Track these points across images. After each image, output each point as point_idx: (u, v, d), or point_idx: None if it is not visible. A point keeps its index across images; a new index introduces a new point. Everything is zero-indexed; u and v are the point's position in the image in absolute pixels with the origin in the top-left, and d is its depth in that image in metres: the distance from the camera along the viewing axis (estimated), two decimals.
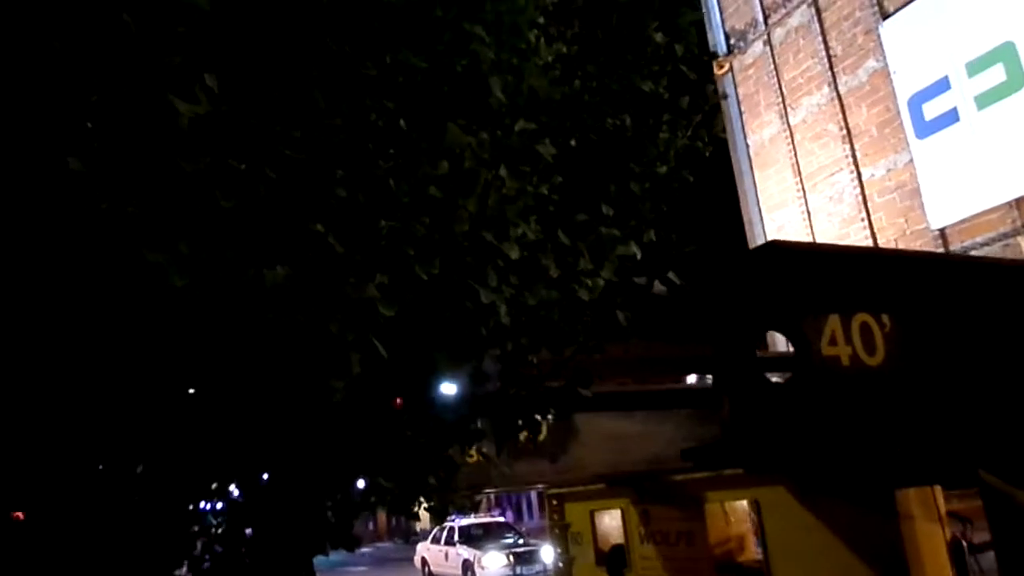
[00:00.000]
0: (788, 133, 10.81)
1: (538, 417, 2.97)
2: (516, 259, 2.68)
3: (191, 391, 2.51)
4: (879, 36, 8.88)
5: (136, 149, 1.76)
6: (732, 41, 11.94)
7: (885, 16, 9.08)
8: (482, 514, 28.74)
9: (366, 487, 3.25)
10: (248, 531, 3.24)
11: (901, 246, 9.42)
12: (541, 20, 3.14)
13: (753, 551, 6.62)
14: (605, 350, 3.14)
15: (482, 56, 2.83)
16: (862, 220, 9.60)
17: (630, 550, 7.26)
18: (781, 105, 11.03)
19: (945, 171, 8.93)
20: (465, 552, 20.88)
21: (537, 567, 19.82)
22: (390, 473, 2.91)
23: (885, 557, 4.70)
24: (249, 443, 2.93)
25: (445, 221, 2.29)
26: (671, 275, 3.04)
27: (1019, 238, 8.03)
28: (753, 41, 11.36)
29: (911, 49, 9.06)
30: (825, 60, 10.27)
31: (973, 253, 8.43)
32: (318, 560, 3.45)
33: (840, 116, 10.05)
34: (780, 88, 11.16)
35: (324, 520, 3.18)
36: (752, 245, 11.58)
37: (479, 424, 3.10)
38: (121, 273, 1.94)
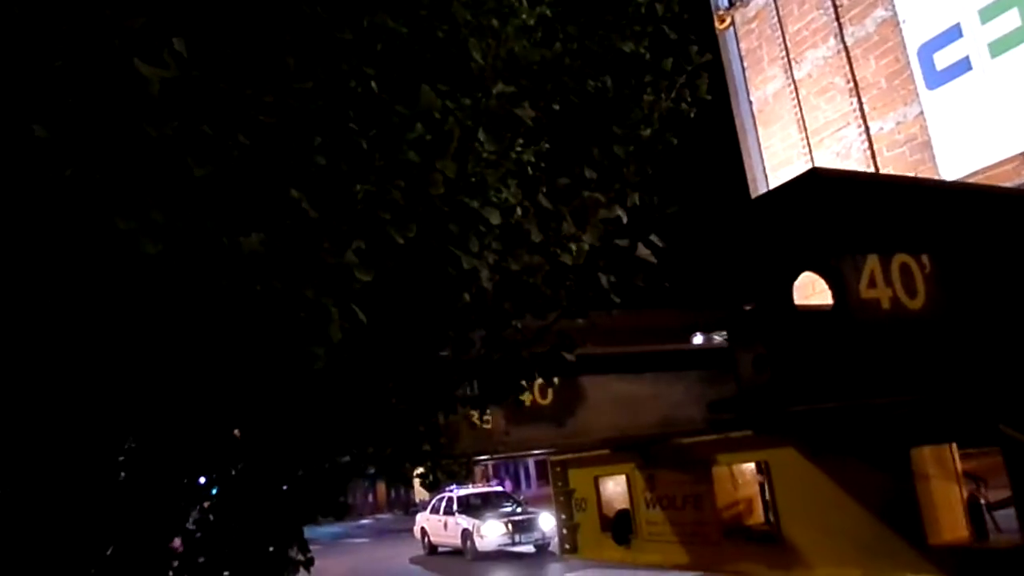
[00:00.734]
0: (793, 88, 10.47)
1: (523, 383, 2.98)
2: (497, 224, 2.66)
3: (172, 364, 2.50)
4: None
5: (102, 115, 1.73)
6: None
7: None
8: (480, 484, 29.07)
9: (354, 456, 3.27)
10: (239, 503, 3.25)
11: None
12: None
13: (761, 514, 6.61)
14: (589, 315, 3.14)
15: (459, 18, 2.79)
16: None
17: (636, 515, 7.22)
18: (785, 59, 10.64)
19: (957, 122, 8.55)
20: (464, 521, 21.19)
21: (535, 535, 20.17)
22: (376, 441, 2.92)
23: (901, 517, 4.66)
24: (234, 414, 2.93)
25: (421, 185, 2.27)
26: (653, 238, 3.03)
27: None
28: None
29: None
30: (831, 10, 9.78)
31: None
32: (320, 532, 3.48)
33: (847, 69, 9.69)
34: (784, 41, 10.67)
35: (312, 489, 3.20)
36: None
37: (467, 391, 3.11)
38: (92, 244, 1.92)
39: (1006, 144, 8.06)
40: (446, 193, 2.45)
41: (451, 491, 24.31)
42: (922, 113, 8.82)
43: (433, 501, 24.39)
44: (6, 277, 2.07)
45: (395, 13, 2.78)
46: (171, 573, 3.02)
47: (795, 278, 4.12)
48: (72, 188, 1.75)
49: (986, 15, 8.35)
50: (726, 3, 11.43)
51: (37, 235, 1.97)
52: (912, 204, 3.79)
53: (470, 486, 26.55)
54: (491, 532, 20.00)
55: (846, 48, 9.79)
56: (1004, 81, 8.12)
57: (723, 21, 11.63)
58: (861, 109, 9.69)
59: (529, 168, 2.97)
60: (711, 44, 12.17)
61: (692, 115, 3.45)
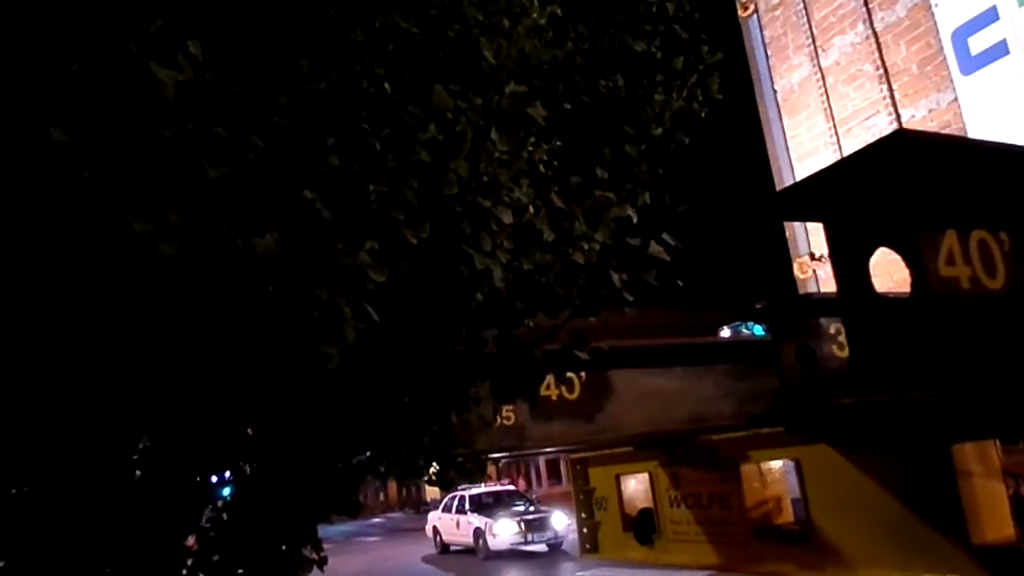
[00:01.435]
0: (819, 76, 10.23)
1: (535, 380, 2.98)
2: (510, 223, 2.67)
3: (187, 364, 2.52)
4: None
5: (119, 118, 1.74)
6: None
7: None
8: (491, 483, 29.05)
9: (368, 454, 3.28)
10: (253, 502, 3.27)
11: None
12: None
13: (791, 513, 6.47)
14: (601, 313, 3.14)
15: (470, 18, 2.80)
16: None
17: (659, 514, 7.05)
18: (811, 47, 10.39)
19: (993, 108, 8.22)
20: (476, 520, 21.10)
21: (548, 534, 20.06)
22: (389, 439, 2.93)
23: (943, 515, 4.53)
24: (248, 413, 2.95)
25: (434, 185, 2.27)
26: (666, 236, 3.02)
27: None
28: None
29: None
30: None
31: None
32: (332, 530, 3.49)
33: (876, 55, 9.43)
34: (810, 28, 10.41)
35: (326, 488, 3.21)
36: None
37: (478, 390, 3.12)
38: (109, 245, 1.94)
39: None
40: (459, 193, 2.45)
41: (463, 490, 24.32)
42: (956, 100, 8.50)
43: (445, 500, 24.40)
44: (24, 278, 2.09)
45: (406, 13, 2.78)
46: (185, 571, 3.04)
47: (870, 255, 3.95)
48: (89, 190, 1.76)
49: None
50: None
51: (56, 237, 1.99)
52: (1000, 174, 3.55)
53: (482, 485, 26.57)
54: (503, 531, 19.95)
55: (875, 34, 9.48)
56: None
57: (746, 8, 11.36)
58: (892, 96, 9.39)
59: (541, 167, 2.97)
60: (733, 33, 11.83)
61: (703, 114, 3.43)
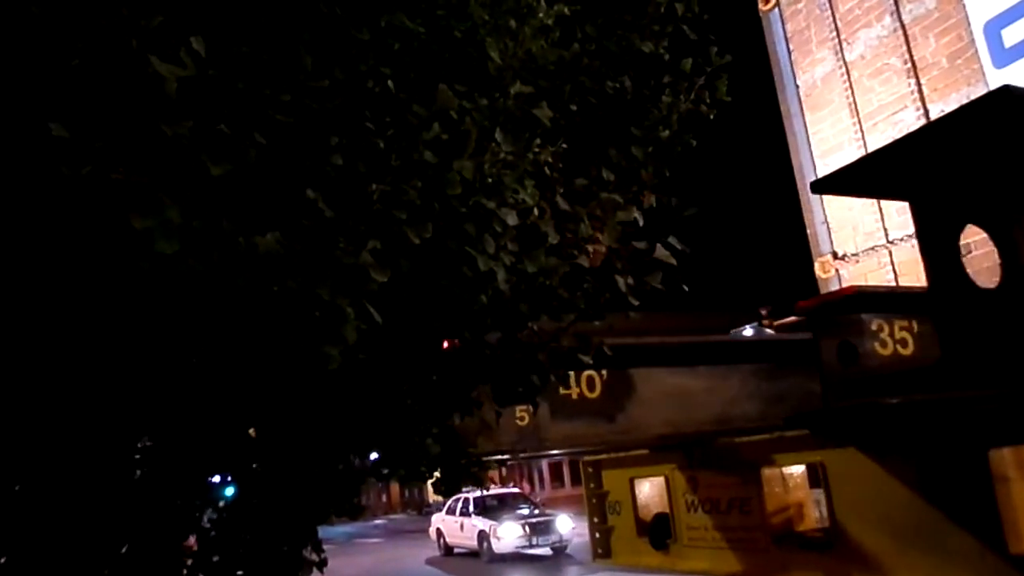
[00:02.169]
0: (844, 70, 10.06)
1: (538, 383, 2.95)
2: (514, 225, 2.64)
3: (188, 363, 2.51)
4: None
5: (120, 114, 1.73)
6: None
7: None
8: (496, 486, 28.96)
9: (369, 457, 3.26)
10: (254, 502, 3.25)
11: None
12: None
13: (814, 519, 6.25)
14: (605, 317, 3.11)
15: (477, 18, 2.78)
16: None
17: (675, 519, 6.78)
18: (836, 40, 10.22)
19: None
20: (480, 523, 21.02)
21: (553, 537, 19.97)
22: (391, 442, 2.91)
23: (979, 523, 4.32)
24: (249, 414, 2.93)
25: (438, 185, 2.25)
26: (672, 239, 2.99)
27: None
28: None
29: None
30: None
31: None
32: (333, 532, 3.46)
33: (904, 48, 9.25)
34: (834, 21, 10.23)
35: (327, 489, 3.19)
36: (803, 193, 11.02)
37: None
38: (110, 243, 1.92)
39: None
40: (463, 193, 2.43)
41: (467, 492, 24.25)
42: None
43: (449, 502, 24.36)
44: (25, 276, 2.08)
45: (412, 13, 2.77)
46: (185, 571, 3.02)
47: (958, 233, 3.75)
48: (89, 187, 1.75)
49: None
50: None
51: (56, 233, 1.98)
52: None
53: (489, 488, 26.47)
54: (508, 534, 19.86)
55: (903, 26, 9.24)
56: None
57: (767, 2, 11.17)
58: (920, 91, 9.17)
59: (546, 169, 2.94)
60: (754, 27, 11.63)
61: (712, 116, 3.40)
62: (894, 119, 9.53)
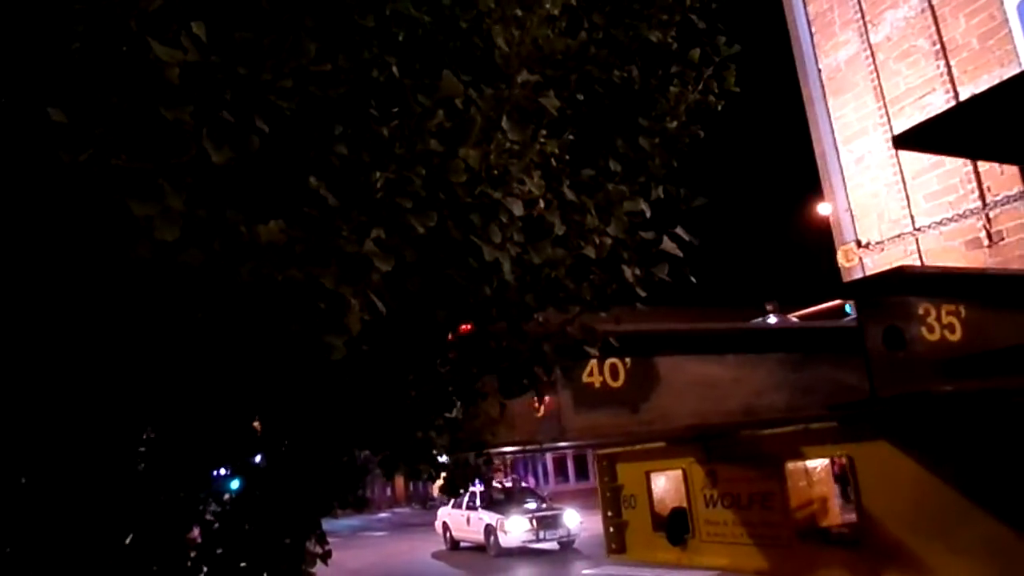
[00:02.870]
0: (869, 53, 9.90)
1: (543, 375, 2.93)
2: (520, 216, 2.62)
3: (190, 354, 2.49)
4: None
5: (119, 98, 1.70)
6: None
7: None
8: (502, 479, 28.96)
9: (371, 451, 3.24)
10: (257, 494, 3.24)
11: (1009, 172, 8.72)
12: None
13: (838, 515, 6.09)
14: (612, 309, 3.08)
15: (483, 6, 2.75)
16: None
17: (693, 514, 6.61)
18: (860, 22, 10.05)
19: None
20: (487, 517, 20.98)
21: (560, 531, 19.94)
22: (395, 433, 2.89)
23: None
24: (253, 406, 2.91)
25: (442, 173, 2.23)
26: (679, 231, 2.96)
27: None
28: None
29: None
30: None
31: None
32: (337, 524, 3.45)
33: (933, 29, 9.10)
34: (859, 2, 10.05)
35: (331, 481, 3.18)
36: (826, 180, 10.86)
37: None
38: (110, 231, 1.90)
39: None
40: (468, 183, 2.41)
41: (474, 486, 24.22)
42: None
43: None
44: (24, 265, 2.06)
45: (418, 1, 2.74)
46: (189, 563, 3.02)
47: None
48: (89, 173, 1.73)
49: None
50: None
51: (55, 222, 1.96)
52: None
53: (498, 479, 26.45)
54: (515, 528, 19.83)
55: (932, 7, 9.06)
56: None
57: None
58: (949, 73, 9.00)
59: (553, 159, 2.91)
60: (775, 10, 11.39)
61: (720, 107, 3.37)
62: (922, 103, 9.35)
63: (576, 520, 20.38)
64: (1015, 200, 8.31)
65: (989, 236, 8.64)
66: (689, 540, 6.62)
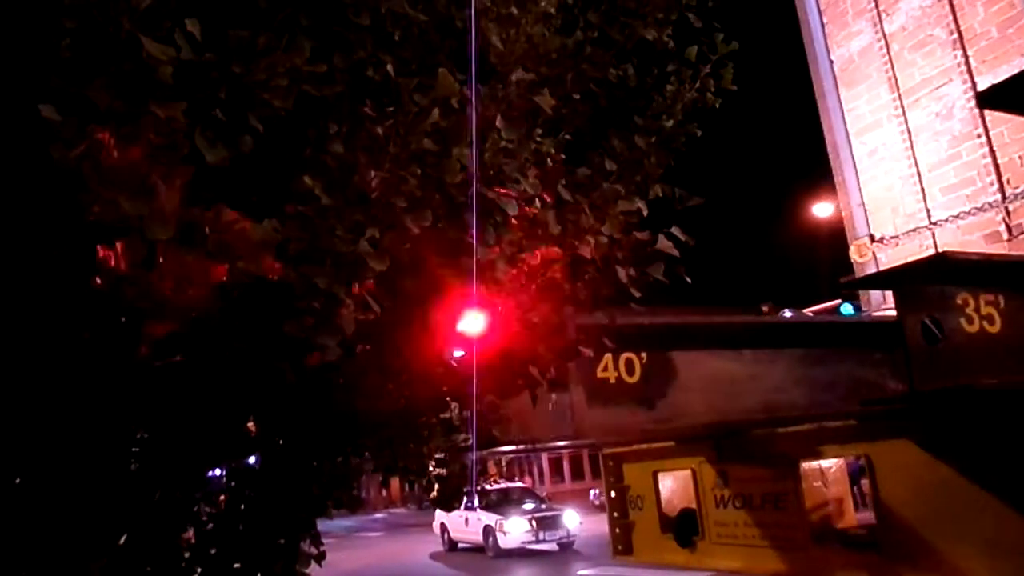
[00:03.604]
0: (883, 43, 9.77)
1: (538, 375, 2.92)
2: (515, 215, 2.61)
3: (183, 353, 2.47)
4: None
5: (111, 95, 1.69)
6: None
7: None
8: (494, 480, 28.94)
9: (367, 451, 3.23)
10: (251, 495, 3.23)
11: None
12: None
13: (854, 517, 6.00)
14: (607, 309, 3.07)
15: (478, 3, 2.74)
16: (978, 136, 8.66)
17: (703, 515, 6.41)
18: (874, 11, 9.92)
19: None
20: (486, 518, 20.83)
21: (560, 532, 19.82)
22: (388, 434, 2.88)
23: None
24: (247, 406, 2.90)
25: (437, 172, 2.22)
26: (676, 230, 2.95)
27: None
28: None
29: None
30: None
31: None
32: (332, 525, 3.43)
33: (950, 18, 8.98)
34: None
35: (325, 482, 3.17)
36: (838, 174, 10.68)
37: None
38: (100, 230, 1.89)
39: None
40: (462, 182, 2.40)
41: (471, 487, 24.09)
42: None
43: None
44: (16, 264, 2.05)
45: (413, 0, 2.73)
46: (183, 564, 3.00)
47: None
48: (80, 171, 1.71)
49: None
50: None
51: (45, 220, 1.95)
52: None
53: (491, 482, 26.39)
54: (514, 529, 19.69)
55: None
56: None
57: None
58: (967, 63, 8.85)
59: (548, 158, 2.91)
60: (785, 1, 11.18)
61: (717, 105, 3.36)
62: (938, 93, 9.19)
63: (576, 521, 20.31)
64: None
65: (1009, 230, 8.49)
66: (698, 542, 6.45)
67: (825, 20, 10.36)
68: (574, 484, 42.05)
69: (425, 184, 2.27)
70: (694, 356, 4.61)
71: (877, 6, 9.65)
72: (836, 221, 18.78)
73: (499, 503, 21.79)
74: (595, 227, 2.88)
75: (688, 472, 6.57)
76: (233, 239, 2.02)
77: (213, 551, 3.06)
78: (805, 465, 5.66)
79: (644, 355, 4.36)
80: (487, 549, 20.48)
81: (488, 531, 20.41)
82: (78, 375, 2.49)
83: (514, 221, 2.63)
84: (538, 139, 2.87)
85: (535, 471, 44.99)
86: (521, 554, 19.64)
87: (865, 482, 5.57)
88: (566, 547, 19.88)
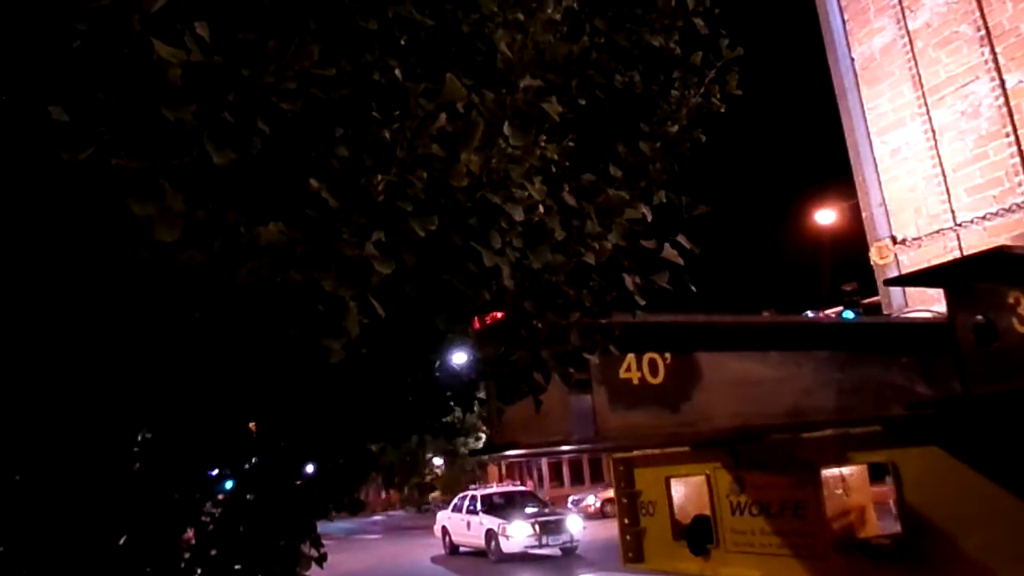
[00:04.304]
0: (907, 40, 9.63)
1: (541, 381, 2.92)
2: (520, 221, 2.61)
3: (188, 355, 2.48)
4: None
5: (121, 97, 1.70)
6: None
7: None
8: (493, 484, 28.90)
9: (371, 453, 3.23)
10: (252, 497, 3.23)
11: None
12: None
13: (876, 526, 5.75)
14: (611, 315, 3.07)
15: (485, 10, 2.75)
16: (1006, 135, 8.46)
17: (718, 522, 6.23)
18: (897, 8, 9.77)
19: None
20: (488, 521, 20.80)
21: (563, 537, 19.77)
22: (391, 439, 2.88)
23: None
24: (250, 407, 2.90)
25: (443, 177, 2.22)
26: (681, 239, 2.95)
27: None
28: None
29: None
30: None
31: None
32: (332, 527, 3.43)
33: (977, 15, 8.86)
34: None
35: (327, 485, 3.17)
36: (858, 174, 10.52)
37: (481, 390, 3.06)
38: (109, 231, 1.90)
39: None
40: (468, 188, 2.40)
41: (474, 490, 24.11)
42: None
43: (455, 500, 24.23)
44: (22, 265, 2.05)
45: (420, 4, 2.74)
46: (183, 565, 3.00)
47: None
48: (89, 172, 1.72)
49: None
50: None
51: (53, 221, 1.95)
52: None
53: (492, 485, 26.31)
54: (517, 533, 19.61)
55: None
56: None
57: None
58: (995, 60, 8.71)
59: (553, 165, 2.91)
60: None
61: (722, 111, 3.36)
62: (964, 91, 9.03)
63: (579, 525, 20.26)
64: None
65: None
66: (713, 550, 6.28)
67: (846, 17, 10.21)
68: (573, 488, 41.95)
69: (431, 188, 2.27)
70: (719, 357, 4.49)
71: (901, 3, 9.48)
72: (838, 227, 18.78)
73: (501, 507, 21.73)
74: (600, 233, 2.88)
75: (702, 478, 6.39)
76: (239, 241, 2.02)
77: (213, 552, 3.06)
78: (826, 471, 5.49)
79: (668, 356, 4.25)
80: (489, 553, 20.44)
81: (490, 535, 20.36)
82: (83, 373, 2.49)
83: (519, 227, 2.63)
84: (543, 145, 2.87)
85: (535, 475, 44.91)
86: (524, 559, 19.58)
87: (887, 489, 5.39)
88: (569, 552, 19.84)
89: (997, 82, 8.52)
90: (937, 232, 9.38)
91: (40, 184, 1.88)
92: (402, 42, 2.77)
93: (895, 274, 9.53)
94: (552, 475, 44.77)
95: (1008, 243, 8.34)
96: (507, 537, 19.74)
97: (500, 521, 20.26)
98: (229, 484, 3.31)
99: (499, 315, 2.70)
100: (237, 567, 3.02)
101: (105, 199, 1.78)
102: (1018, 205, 8.47)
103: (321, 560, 3.22)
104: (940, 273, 4.94)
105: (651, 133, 3.19)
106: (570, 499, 32.88)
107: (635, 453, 7.08)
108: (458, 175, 2.22)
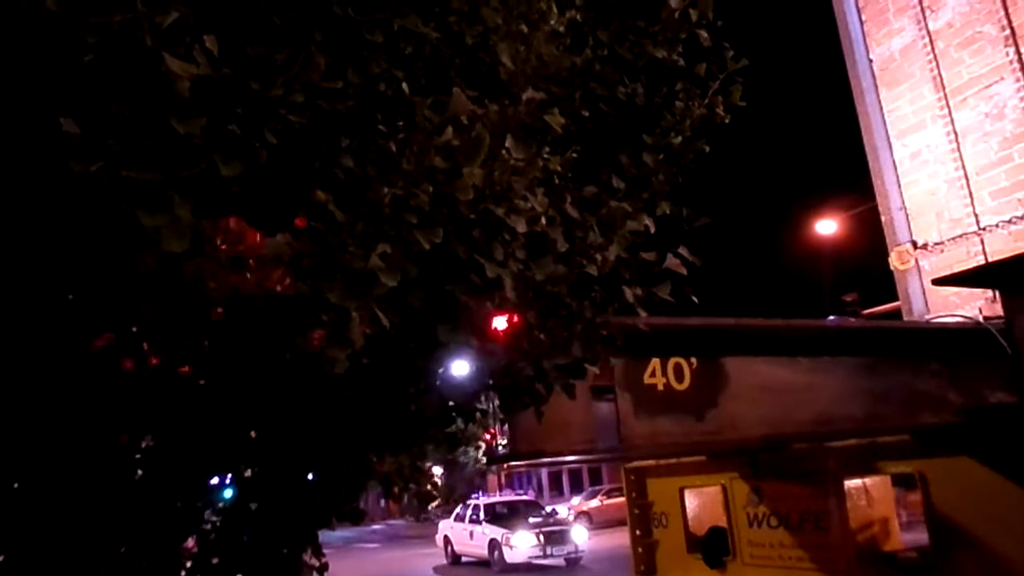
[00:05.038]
0: (927, 41, 9.43)
1: (543, 392, 2.93)
2: (523, 232, 2.63)
3: (191, 362, 2.49)
4: None
5: (132, 110, 1.72)
6: None
7: None
8: (494, 493, 28.75)
9: (371, 462, 3.24)
10: (254, 505, 3.23)
11: None
12: None
13: (900, 538, 5.63)
14: (613, 326, 3.09)
15: (489, 23, 2.77)
16: None
17: (735, 534, 6.07)
18: (918, 8, 9.59)
19: None
20: (491, 531, 20.52)
21: (568, 548, 19.52)
22: (393, 448, 2.89)
23: None
24: (252, 416, 2.91)
25: (449, 189, 2.24)
26: (683, 251, 2.97)
27: None
28: None
29: None
30: None
31: None
32: (331, 536, 3.43)
33: (1001, 14, 8.68)
34: None
35: (329, 494, 3.17)
36: (877, 176, 10.29)
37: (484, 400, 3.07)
38: (116, 241, 1.92)
39: None
40: (472, 200, 2.42)
41: (476, 499, 23.92)
42: None
43: (457, 509, 24.04)
44: (28, 273, 2.07)
45: (425, 17, 2.76)
46: (184, 573, 3.00)
47: None
48: (99, 184, 1.74)
49: None
50: None
51: (63, 231, 1.97)
52: None
53: (495, 494, 26.06)
54: (522, 543, 19.33)
55: None
56: None
57: None
58: (1020, 60, 8.50)
59: (556, 176, 2.93)
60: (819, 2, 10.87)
61: (727, 122, 3.38)
62: (987, 92, 8.85)
63: (584, 536, 20.06)
64: None
65: None
66: (729, 563, 6.10)
67: (864, 18, 10.06)
68: (572, 496, 41.81)
69: (436, 200, 2.29)
70: (747, 362, 4.35)
71: (921, 3, 9.32)
72: (840, 236, 18.78)
73: (505, 516, 21.48)
74: (602, 244, 2.90)
75: (718, 488, 6.23)
76: (245, 252, 2.04)
77: (215, 560, 3.07)
78: (849, 482, 5.35)
79: (694, 360, 4.13)
80: (492, 563, 20.22)
81: (494, 545, 20.15)
82: (87, 378, 2.51)
83: (522, 238, 2.65)
84: (546, 157, 2.89)
85: (534, 484, 44.79)
86: (527, 569, 19.41)
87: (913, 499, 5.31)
88: (573, 563, 19.63)
89: (1022, 82, 8.40)
90: (960, 236, 9.20)
91: (51, 195, 1.90)
92: (407, 51, 2.79)
93: (915, 279, 9.34)
94: (552, 484, 44.64)
95: None
96: (511, 547, 19.52)
97: (504, 531, 20.03)
98: (230, 492, 3.31)
99: (516, 318, 2.68)
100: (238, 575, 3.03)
101: (114, 210, 1.79)
102: None
103: (323, 569, 3.22)
104: (993, 272, 4.78)
105: (654, 145, 3.21)
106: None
107: (648, 463, 6.94)
108: (464, 189, 2.24)
